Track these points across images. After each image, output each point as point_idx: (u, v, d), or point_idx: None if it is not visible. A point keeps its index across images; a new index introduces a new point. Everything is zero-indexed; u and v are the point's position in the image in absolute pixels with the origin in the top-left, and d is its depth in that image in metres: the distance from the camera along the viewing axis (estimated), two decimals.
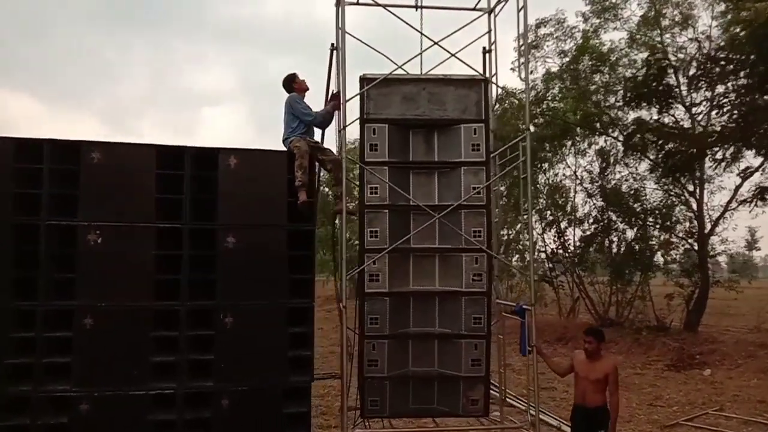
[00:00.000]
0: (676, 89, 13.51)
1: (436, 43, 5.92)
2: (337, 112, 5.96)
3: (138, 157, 5.40)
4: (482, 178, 5.78)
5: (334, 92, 6.06)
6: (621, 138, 16.02)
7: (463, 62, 5.91)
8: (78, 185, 5.26)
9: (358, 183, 6.03)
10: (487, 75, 7.00)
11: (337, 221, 6.63)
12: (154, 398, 5.22)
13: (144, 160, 5.39)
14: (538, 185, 19.52)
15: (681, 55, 14.25)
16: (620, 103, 14.47)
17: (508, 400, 9.41)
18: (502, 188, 20.93)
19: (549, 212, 20.11)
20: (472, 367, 5.77)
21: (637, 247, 16.95)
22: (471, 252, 5.74)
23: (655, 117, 14.11)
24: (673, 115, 14.36)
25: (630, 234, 17.31)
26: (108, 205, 5.29)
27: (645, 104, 13.42)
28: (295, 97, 5.91)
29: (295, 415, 5.48)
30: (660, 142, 13.52)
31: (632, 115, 14.74)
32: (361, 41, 5.98)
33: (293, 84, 6.02)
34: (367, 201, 5.72)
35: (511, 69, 16.76)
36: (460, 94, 5.89)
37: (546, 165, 19.43)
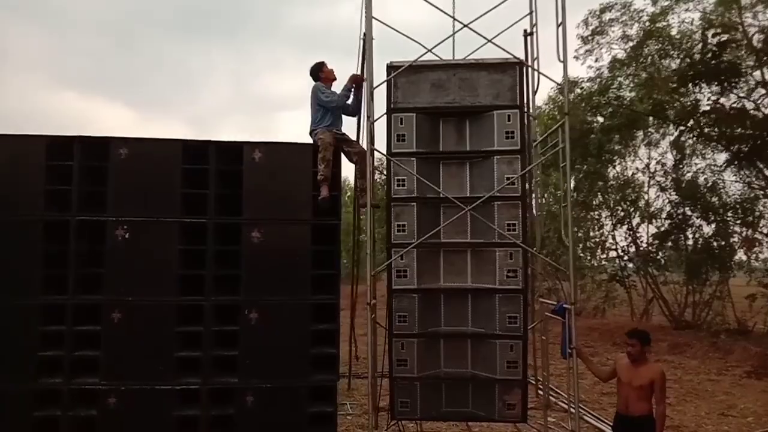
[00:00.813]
0: (753, 71, 12.37)
1: (465, 26, 5.60)
2: (364, 101, 5.71)
3: (164, 153, 5.42)
4: (517, 168, 5.40)
5: (356, 75, 5.84)
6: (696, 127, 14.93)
7: (496, 45, 5.54)
8: (106, 181, 5.34)
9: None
10: (529, 59, 6.63)
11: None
12: (179, 393, 5.22)
13: (170, 155, 5.40)
14: (608, 180, 18.57)
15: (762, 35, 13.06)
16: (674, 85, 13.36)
17: (563, 404, 8.94)
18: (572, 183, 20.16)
19: (620, 208, 19.12)
20: (508, 370, 5.40)
21: (715, 244, 15.77)
22: (505, 247, 5.38)
23: (716, 99, 12.98)
24: (755, 101, 13.19)
25: (707, 230, 16.16)
26: (135, 200, 5.34)
27: (704, 85, 12.31)
28: (320, 86, 5.74)
29: (320, 415, 5.34)
30: (720, 127, 12.36)
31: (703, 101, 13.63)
32: (388, 26, 5.75)
33: (320, 73, 5.85)
34: (393, 194, 5.47)
35: (575, 57, 15.98)
36: (493, 78, 5.53)
37: (616, 158, 18.52)
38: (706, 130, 13.70)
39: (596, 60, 15.72)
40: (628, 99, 15.15)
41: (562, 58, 5.36)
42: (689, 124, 14.08)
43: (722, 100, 12.78)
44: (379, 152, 5.44)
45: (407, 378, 5.50)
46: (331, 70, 5.92)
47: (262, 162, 5.45)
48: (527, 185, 5.53)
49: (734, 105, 12.71)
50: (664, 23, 13.64)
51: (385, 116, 5.53)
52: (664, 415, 4.62)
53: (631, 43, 14.47)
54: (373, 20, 5.71)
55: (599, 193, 19.03)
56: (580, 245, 19.42)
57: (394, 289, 5.46)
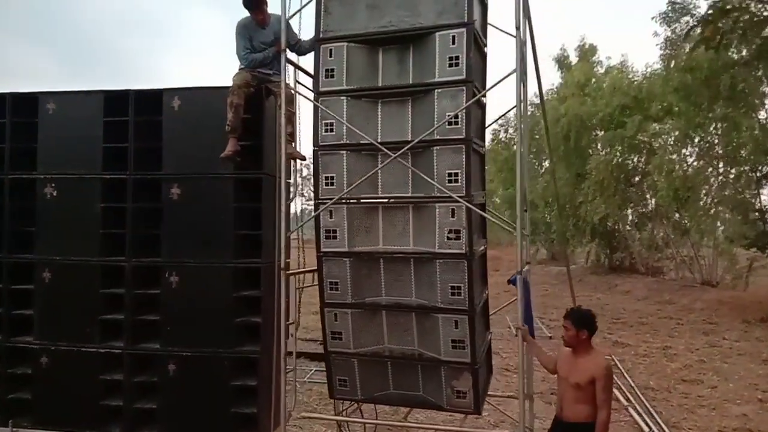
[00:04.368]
0: None
1: None
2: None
3: (88, 105, 5.13)
4: (461, 103, 4.30)
5: None
6: None
7: None
8: (36, 137, 5.20)
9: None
10: None
11: None
12: (103, 357, 5.02)
13: (93, 108, 5.10)
14: (748, 128, 15.38)
15: None
16: None
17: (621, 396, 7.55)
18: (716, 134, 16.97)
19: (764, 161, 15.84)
20: (454, 350, 4.45)
21: None
22: (446, 202, 4.36)
23: None
24: None
25: None
26: (61, 156, 5.16)
27: None
28: (242, 27, 4.90)
29: (242, 389, 4.83)
30: None
31: None
32: None
33: (263, 7, 4.91)
34: (321, 141, 4.67)
35: None
36: None
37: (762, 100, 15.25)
38: None
39: None
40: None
41: None
42: None
43: None
44: (295, 91, 4.64)
45: (342, 353, 4.78)
46: (266, 18, 4.92)
47: (181, 110, 4.95)
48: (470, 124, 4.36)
49: None
50: None
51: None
52: (607, 424, 3.40)
53: None
54: None
55: (747, 145, 15.81)
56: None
57: (322, 251, 4.71)
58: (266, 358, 4.83)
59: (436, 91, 4.39)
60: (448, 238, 4.37)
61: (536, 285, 20.44)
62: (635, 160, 21.23)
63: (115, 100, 5.06)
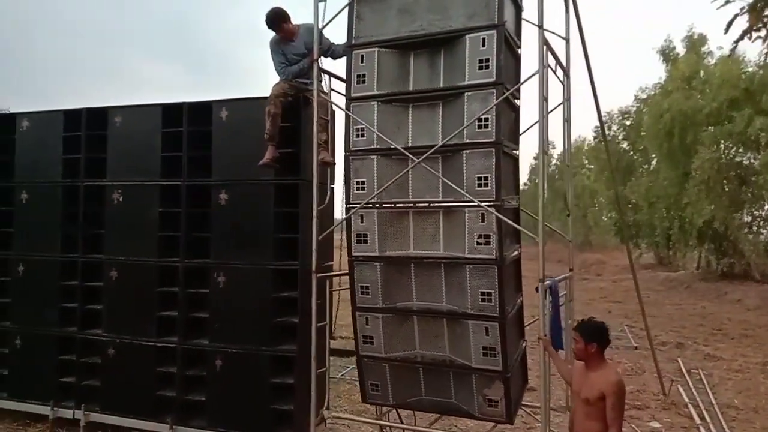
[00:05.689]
0: None
1: None
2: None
3: (149, 118, 5.53)
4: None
5: None
6: None
7: None
8: (105, 148, 5.69)
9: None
10: None
11: None
12: (159, 350, 5.39)
13: (153, 120, 5.50)
14: None
15: None
16: None
17: (693, 405, 6.99)
18: None
19: None
20: (485, 358, 4.34)
21: None
22: (475, 207, 4.26)
23: None
24: None
25: None
26: (127, 165, 5.61)
27: None
28: (274, 44, 5.04)
29: (281, 386, 5.01)
30: None
31: None
32: None
33: (284, 24, 4.97)
34: (352, 146, 4.73)
35: None
36: None
37: None
38: None
39: None
40: None
41: None
42: None
43: None
44: (325, 97, 4.74)
45: (374, 358, 4.82)
46: (293, 30, 5.06)
47: (228, 121, 5.22)
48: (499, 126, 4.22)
49: None
50: None
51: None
52: None
53: None
54: None
55: None
56: None
57: (354, 256, 4.77)
58: (303, 357, 4.96)
59: (466, 94, 4.31)
60: (478, 243, 4.27)
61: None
62: (750, 157, 19.45)
63: (172, 112, 5.42)
